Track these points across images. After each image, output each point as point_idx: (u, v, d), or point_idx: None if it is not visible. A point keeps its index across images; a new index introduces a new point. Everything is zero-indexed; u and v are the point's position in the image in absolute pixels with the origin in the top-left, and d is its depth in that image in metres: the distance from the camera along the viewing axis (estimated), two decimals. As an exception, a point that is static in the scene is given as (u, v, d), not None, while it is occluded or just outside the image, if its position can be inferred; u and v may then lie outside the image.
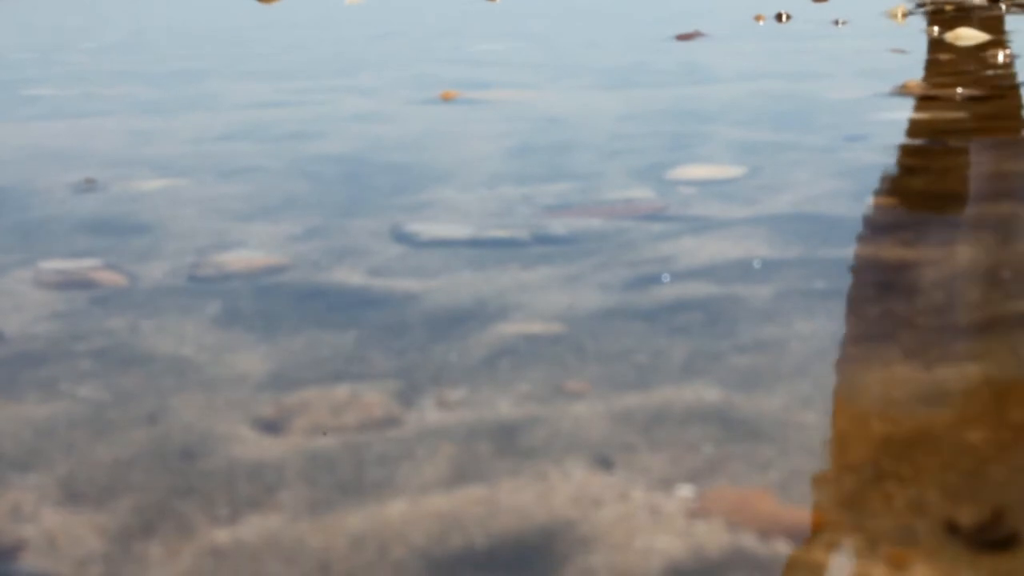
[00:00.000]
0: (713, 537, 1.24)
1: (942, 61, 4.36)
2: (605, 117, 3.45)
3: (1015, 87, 3.63)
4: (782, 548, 1.21)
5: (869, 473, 1.36)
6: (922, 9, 6.13)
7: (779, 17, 5.93)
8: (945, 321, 1.78)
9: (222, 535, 1.26)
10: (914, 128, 3.00)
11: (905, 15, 5.91)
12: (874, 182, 2.61)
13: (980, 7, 4.97)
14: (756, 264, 2.06)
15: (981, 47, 4.70)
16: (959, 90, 3.54)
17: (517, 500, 1.31)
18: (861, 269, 2.02)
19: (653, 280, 1.99)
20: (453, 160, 2.92)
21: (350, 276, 2.05)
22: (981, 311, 1.78)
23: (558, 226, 2.31)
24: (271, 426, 1.50)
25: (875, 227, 2.26)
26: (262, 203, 2.55)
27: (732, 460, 1.39)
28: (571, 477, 1.36)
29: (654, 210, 2.43)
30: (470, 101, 3.78)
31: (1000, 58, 4.16)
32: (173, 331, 1.82)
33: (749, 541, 1.23)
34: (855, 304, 1.85)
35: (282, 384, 1.62)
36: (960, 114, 3.32)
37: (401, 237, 2.27)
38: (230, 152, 3.07)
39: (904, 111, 3.43)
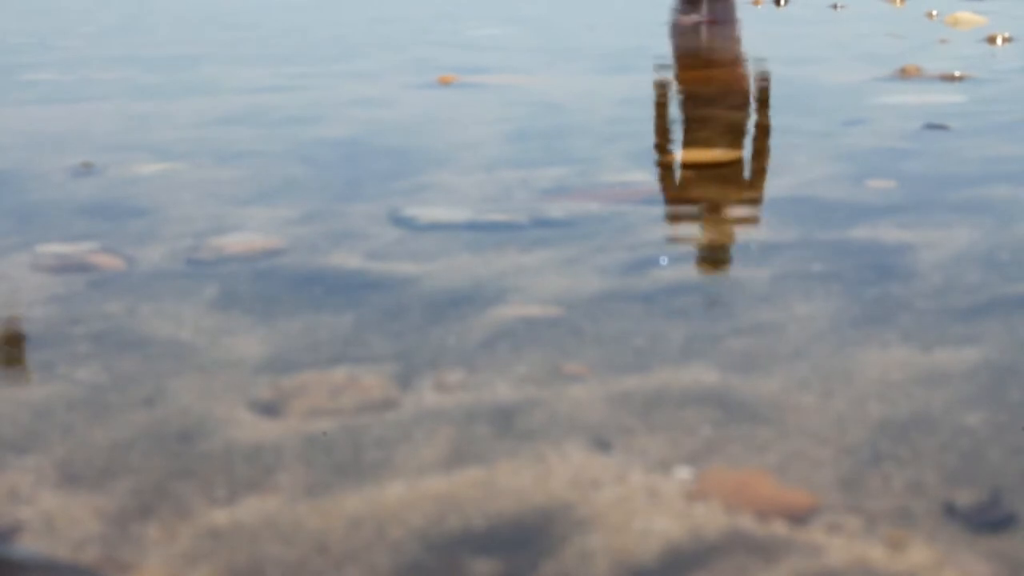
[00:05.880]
0: (711, 519, 1.24)
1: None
2: (603, 101, 3.44)
3: None
4: (780, 530, 1.21)
5: (867, 455, 1.36)
6: None
7: (777, 1, 5.91)
8: None
9: (220, 517, 1.26)
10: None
11: (904, -1, 5.90)
12: (872, 166, 2.61)
13: None
14: (754, 247, 2.06)
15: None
16: None
17: (515, 482, 1.32)
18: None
19: (651, 263, 1.99)
20: (451, 144, 2.92)
21: (348, 259, 2.05)
22: None
23: (556, 210, 2.31)
24: (269, 409, 1.50)
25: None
26: (260, 187, 2.55)
27: (730, 442, 1.39)
28: (569, 459, 1.36)
29: (652, 194, 2.43)
30: (468, 85, 3.77)
31: None
32: (171, 314, 1.82)
33: (747, 523, 1.23)
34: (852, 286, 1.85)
35: (280, 367, 1.62)
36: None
37: (399, 221, 2.26)
38: (228, 136, 3.06)
39: (902, 95, 3.43)
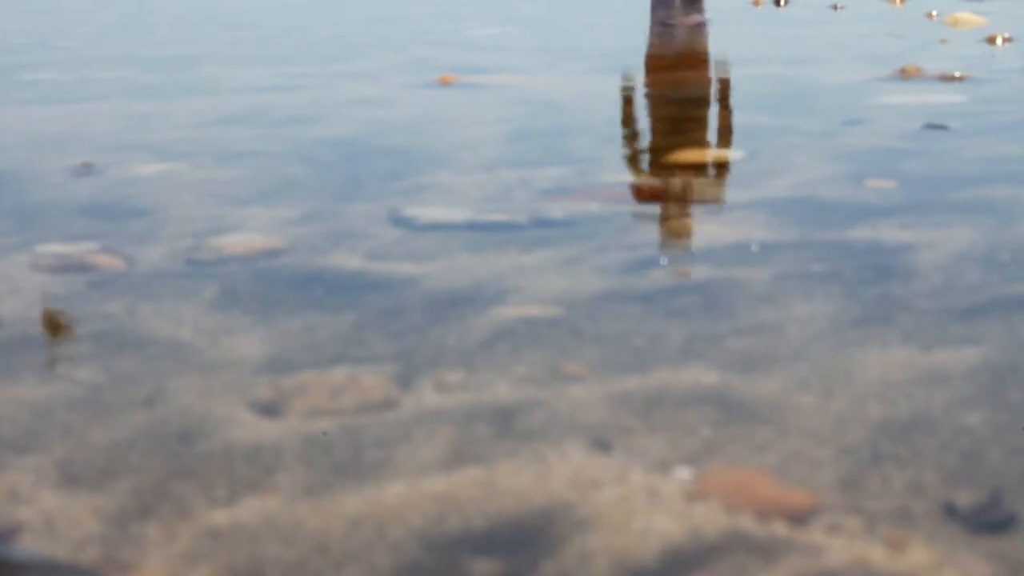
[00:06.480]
0: (711, 519, 1.24)
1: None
2: (603, 101, 3.44)
3: None
4: (780, 530, 1.21)
5: (867, 455, 1.36)
6: None
7: (777, 2, 5.91)
8: None
9: (220, 517, 1.26)
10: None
11: (904, -1, 5.90)
12: (872, 166, 2.61)
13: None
14: (754, 247, 2.06)
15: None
16: None
17: (515, 482, 1.31)
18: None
19: (651, 263, 1.99)
20: (451, 144, 2.92)
21: (348, 260, 2.05)
22: None
23: (556, 210, 2.31)
24: (269, 409, 1.50)
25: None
26: (260, 187, 2.55)
27: (730, 442, 1.39)
28: (569, 459, 1.36)
29: (651, 194, 2.43)
30: (468, 85, 3.77)
31: None
32: (171, 314, 1.82)
33: (747, 523, 1.23)
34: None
35: (280, 367, 1.62)
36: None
37: (399, 221, 2.26)
38: (228, 136, 3.06)
39: (902, 95, 3.43)
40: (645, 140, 2.93)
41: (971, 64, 3.98)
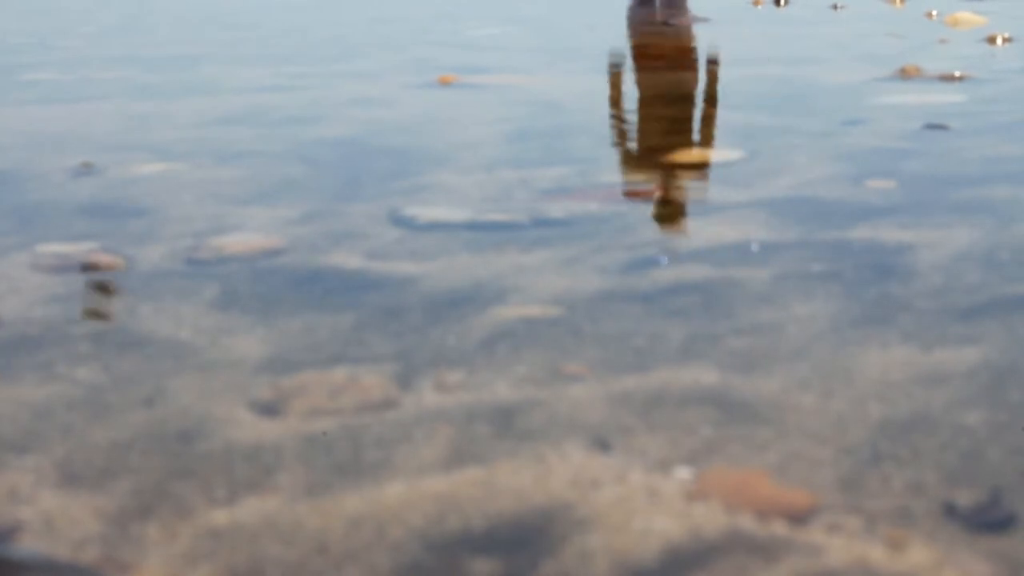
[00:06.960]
0: (711, 518, 1.24)
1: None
2: (603, 101, 3.44)
3: None
4: (780, 530, 1.21)
5: (867, 455, 1.36)
6: None
7: (777, 2, 5.91)
8: None
9: (220, 517, 1.26)
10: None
11: (904, -1, 5.89)
12: (872, 166, 2.61)
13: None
14: (754, 247, 2.06)
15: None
16: None
17: (515, 482, 1.31)
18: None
19: (651, 263, 1.99)
20: (451, 144, 2.92)
21: (348, 259, 2.05)
22: None
23: (556, 209, 2.31)
24: (269, 408, 1.50)
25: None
26: (260, 187, 2.55)
27: (730, 442, 1.39)
28: (569, 459, 1.36)
29: (651, 194, 2.43)
30: (468, 85, 3.77)
31: None
32: (171, 314, 1.82)
33: (747, 522, 1.23)
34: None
35: (280, 367, 1.62)
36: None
37: (399, 220, 2.26)
38: (228, 136, 3.06)
39: (902, 95, 3.43)
40: (632, 132, 2.93)
41: (971, 64, 3.98)
